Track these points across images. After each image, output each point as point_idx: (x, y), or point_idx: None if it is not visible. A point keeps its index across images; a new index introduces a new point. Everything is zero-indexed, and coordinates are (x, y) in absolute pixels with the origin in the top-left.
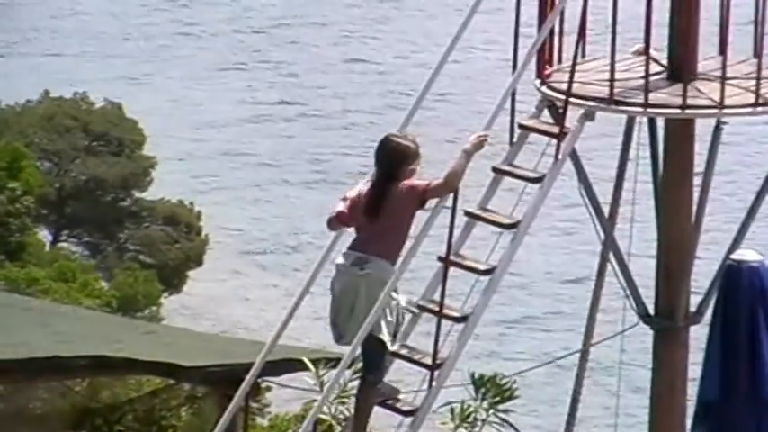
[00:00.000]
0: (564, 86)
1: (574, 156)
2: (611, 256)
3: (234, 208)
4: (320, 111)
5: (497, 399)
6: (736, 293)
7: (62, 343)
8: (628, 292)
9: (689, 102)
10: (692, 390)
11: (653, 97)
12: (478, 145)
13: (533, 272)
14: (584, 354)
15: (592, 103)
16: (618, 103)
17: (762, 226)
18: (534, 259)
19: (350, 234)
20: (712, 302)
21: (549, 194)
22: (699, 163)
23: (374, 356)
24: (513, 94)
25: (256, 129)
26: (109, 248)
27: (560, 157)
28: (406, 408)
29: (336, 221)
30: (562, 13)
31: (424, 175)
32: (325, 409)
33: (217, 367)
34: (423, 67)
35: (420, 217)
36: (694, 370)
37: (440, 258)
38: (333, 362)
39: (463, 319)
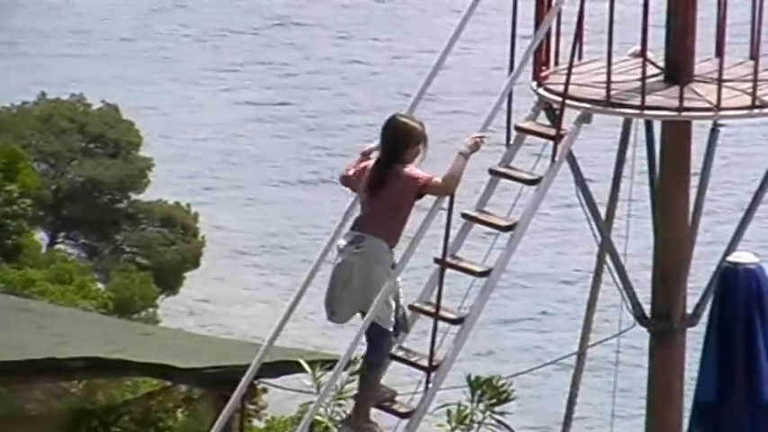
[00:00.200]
0: (561, 88)
1: (570, 157)
2: (608, 258)
3: (230, 208)
4: (318, 111)
5: (494, 401)
6: (733, 295)
7: (58, 344)
8: (624, 294)
9: (686, 104)
10: (689, 391)
11: (650, 99)
12: (474, 146)
13: (529, 271)
14: (581, 356)
15: (588, 105)
16: (615, 105)
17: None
18: (529, 259)
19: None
20: (709, 304)
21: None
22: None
23: (374, 337)
24: (510, 96)
25: (253, 129)
26: (105, 250)
27: (557, 159)
28: (402, 410)
29: (344, 182)
30: (559, 15)
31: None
32: (321, 410)
33: (213, 369)
34: (422, 68)
35: (417, 218)
36: (691, 371)
37: (436, 260)
38: (329, 363)
39: (459, 321)
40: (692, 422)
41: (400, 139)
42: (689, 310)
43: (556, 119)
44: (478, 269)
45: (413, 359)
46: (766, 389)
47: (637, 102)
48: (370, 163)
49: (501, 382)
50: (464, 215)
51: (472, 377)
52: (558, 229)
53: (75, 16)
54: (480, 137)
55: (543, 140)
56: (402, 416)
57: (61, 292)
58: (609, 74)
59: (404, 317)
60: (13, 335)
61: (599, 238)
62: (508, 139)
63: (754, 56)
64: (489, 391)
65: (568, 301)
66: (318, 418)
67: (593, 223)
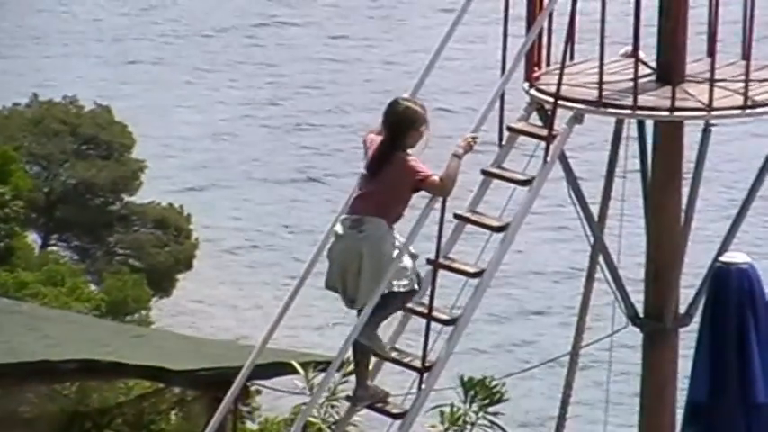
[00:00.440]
0: (552, 89)
1: (562, 158)
2: (601, 258)
3: (224, 209)
4: (308, 111)
5: (486, 401)
6: (725, 295)
7: (51, 347)
8: (617, 294)
9: (677, 104)
10: (682, 391)
11: (642, 99)
12: (467, 147)
13: (522, 268)
14: (574, 355)
15: (580, 106)
16: (607, 105)
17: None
18: (522, 256)
19: None
20: (701, 304)
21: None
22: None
23: (393, 300)
24: (502, 97)
25: (244, 129)
26: (98, 252)
27: (549, 159)
28: (395, 411)
29: (363, 144)
30: (551, 16)
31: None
32: (314, 412)
33: (206, 371)
34: (414, 68)
35: (409, 218)
36: (684, 371)
37: (429, 261)
38: (322, 365)
39: (452, 321)
40: (684, 422)
41: (403, 123)
42: (682, 310)
43: (548, 119)
44: (471, 270)
45: (406, 360)
46: (759, 388)
47: (629, 102)
48: (378, 140)
49: (494, 383)
50: (456, 216)
51: (465, 378)
52: (550, 228)
53: (64, 17)
54: (473, 137)
55: (535, 141)
56: (395, 417)
57: (54, 294)
58: (601, 74)
59: (418, 274)
60: (5, 337)
61: (591, 238)
62: (500, 139)
63: (746, 56)
64: (482, 392)
65: (561, 300)
66: (311, 419)
67: (586, 223)
